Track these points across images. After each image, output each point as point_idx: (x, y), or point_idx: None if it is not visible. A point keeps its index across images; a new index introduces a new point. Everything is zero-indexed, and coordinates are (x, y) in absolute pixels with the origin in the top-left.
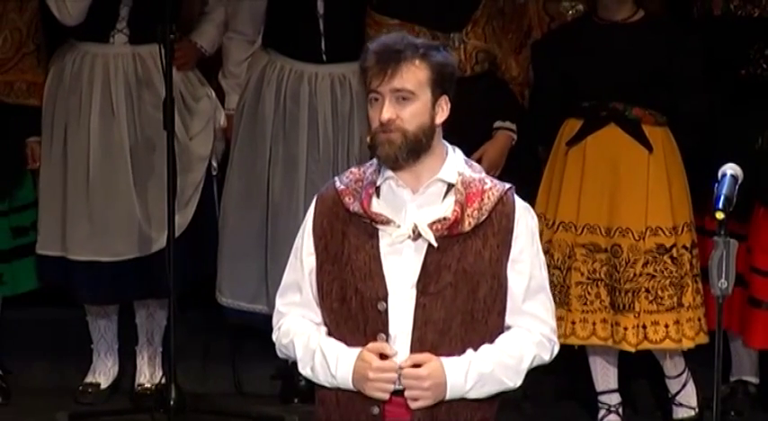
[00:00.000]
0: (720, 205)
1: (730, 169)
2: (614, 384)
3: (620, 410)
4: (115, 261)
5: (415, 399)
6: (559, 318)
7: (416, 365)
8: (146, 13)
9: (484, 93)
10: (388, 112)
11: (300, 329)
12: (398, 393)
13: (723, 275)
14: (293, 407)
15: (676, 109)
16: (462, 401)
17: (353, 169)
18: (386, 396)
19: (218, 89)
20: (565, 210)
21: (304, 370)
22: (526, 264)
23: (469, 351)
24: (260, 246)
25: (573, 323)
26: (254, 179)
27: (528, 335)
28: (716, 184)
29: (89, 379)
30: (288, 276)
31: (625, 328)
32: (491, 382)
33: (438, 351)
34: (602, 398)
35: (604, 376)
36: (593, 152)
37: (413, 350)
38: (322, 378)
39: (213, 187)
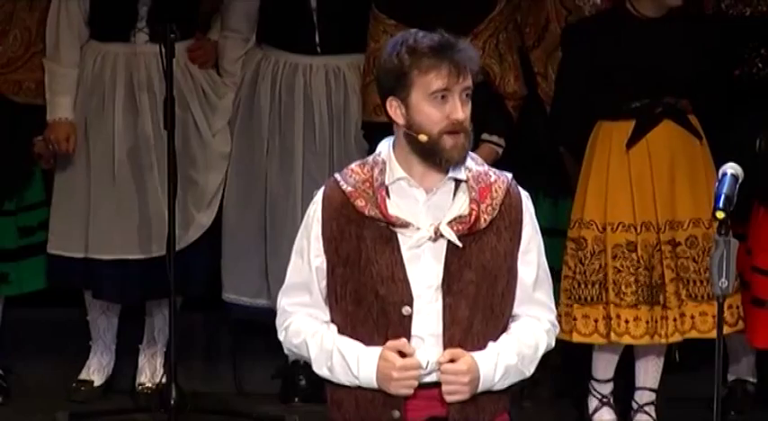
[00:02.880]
0: (721, 204)
1: (731, 168)
2: (612, 374)
3: (612, 400)
4: (143, 259)
5: (453, 394)
6: (662, 318)
7: (452, 360)
8: (166, 10)
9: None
10: (462, 112)
11: (312, 329)
12: (425, 386)
13: (724, 274)
14: (294, 406)
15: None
16: (486, 393)
17: (354, 167)
18: (410, 392)
19: None
20: (643, 210)
21: (320, 370)
22: (534, 254)
23: (491, 344)
24: (260, 240)
25: (674, 319)
26: (252, 173)
27: (538, 323)
28: (716, 184)
29: (83, 376)
30: (293, 276)
31: (692, 317)
32: (514, 373)
33: (465, 348)
34: (598, 387)
35: (609, 365)
36: (656, 149)
37: (445, 349)
38: (343, 378)
39: None
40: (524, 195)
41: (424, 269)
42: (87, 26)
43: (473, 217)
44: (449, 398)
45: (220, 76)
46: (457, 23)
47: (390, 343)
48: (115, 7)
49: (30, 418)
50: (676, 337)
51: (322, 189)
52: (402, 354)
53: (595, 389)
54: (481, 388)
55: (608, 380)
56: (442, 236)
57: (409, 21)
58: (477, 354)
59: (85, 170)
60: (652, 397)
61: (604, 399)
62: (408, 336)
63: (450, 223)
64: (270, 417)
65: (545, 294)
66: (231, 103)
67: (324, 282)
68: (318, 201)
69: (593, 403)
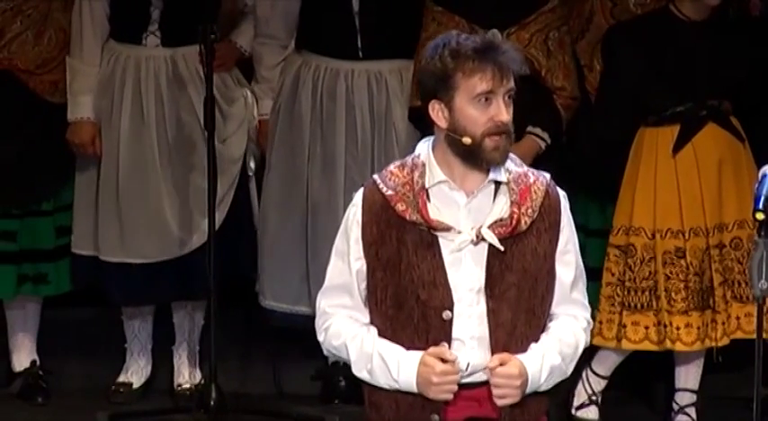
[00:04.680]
0: (761, 205)
1: None
2: (610, 373)
3: (600, 401)
4: (146, 263)
5: (504, 397)
6: (712, 321)
7: (502, 364)
8: (178, 15)
9: (522, 96)
10: (506, 114)
11: (352, 332)
12: (462, 387)
13: (764, 276)
14: (334, 407)
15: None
16: (531, 395)
17: (393, 169)
18: (450, 397)
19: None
20: (691, 216)
21: (360, 372)
22: (572, 254)
23: (534, 345)
24: (301, 246)
25: (723, 323)
26: (293, 179)
27: (576, 322)
28: (756, 185)
29: (121, 378)
30: (333, 278)
31: (737, 318)
32: (558, 373)
33: (510, 351)
34: (593, 380)
35: (613, 363)
36: (703, 153)
37: (493, 353)
38: (383, 381)
39: (249, 188)
40: (562, 195)
41: (465, 273)
42: (109, 24)
43: (514, 220)
44: (500, 402)
45: (257, 84)
46: (504, 13)
47: (432, 349)
48: (128, 8)
49: (69, 418)
50: (725, 341)
51: (361, 191)
52: (443, 360)
53: (589, 383)
54: (528, 389)
55: (605, 377)
56: (483, 239)
57: (456, 8)
58: (523, 357)
59: (96, 171)
60: (693, 398)
61: (593, 397)
62: (449, 340)
63: (491, 226)
64: (310, 418)
65: (581, 293)
66: (244, 108)
67: (364, 285)
68: (358, 203)
69: (581, 397)
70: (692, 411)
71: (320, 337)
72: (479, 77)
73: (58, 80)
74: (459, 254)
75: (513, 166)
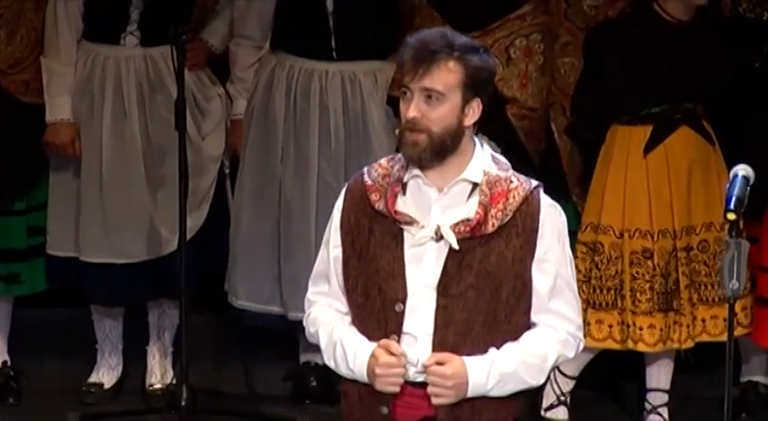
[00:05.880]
0: (732, 206)
1: (742, 170)
2: (578, 372)
3: (569, 401)
4: (129, 263)
5: (437, 396)
6: (675, 323)
7: (440, 363)
8: (157, 15)
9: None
10: (414, 111)
11: (326, 319)
12: (417, 385)
13: (734, 276)
14: (305, 407)
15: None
16: (485, 399)
17: (383, 162)
18: (396, 389)
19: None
20: (660, 217)
21: (328, 361)
22: (552, 263)
23: (492, 350)
24: (273, 246)
25: (687, 326)
26: (267, 179)
27: (553, 333)
28: (727, 185)
29: (93, 379)
30: (317, 266)
31: (703, 320)
32: (513, 381)
33: (460, 351)
34: (561, 381)
35: (581, 363)
36: (674, 156)
37: (434, 351)
38: (343, 370)
39: (226, 186)
40: (550, 205)
41: (424, 268)
42: (83, 24)
43: (475, 221)
44: (434, 401)
45: (232, 84)
46: (470, 17)
47: (382, 341)
48: (106, 8)
49: (40, 419)
50: (689, 343)
51: (350, 180)
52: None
53: (557, 383)
54: (472, 393)
55: (573, 378)
56: (443, 236)
57: (435, 4)
58: (469, 360)
59: (76, 171)
60: (665, 398)
61: (562, 397)
62: (400, 334)
63: (454, 225)
64: (281, 418)
65: (564, 305)
66: (221, 106)
67: (340, 272)
68: (343, 192)
69: (549, 398)
70: (664, 411)
71: (304, 323)
72: (405, 70)
73: (30, 79)
74: (420, 249)
75: (495, 169)
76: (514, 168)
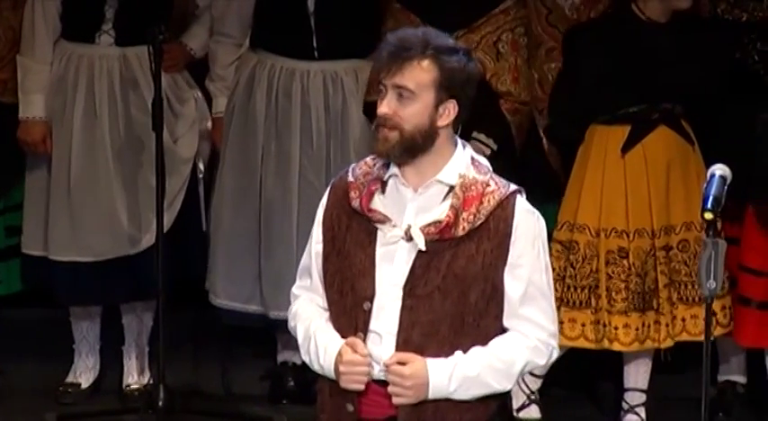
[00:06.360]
0: (709, 205)
1: (719, 170)
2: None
3: (539, 398)
4: (97, 262)
5: (397, 395)
6: (655, 322)
7: (402, 363)
8: (132, 14)
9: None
10: (385, 107)
11: (305, 314)
12: (383, 383)
13: (712, 276)
14: (282, 407)
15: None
16: (450, 402)
17: (368, 159)
18: (360, 387)
19: (205, 92)
20: (637, 217)
21: (305, 356)
22: (525, 269)
23: (458, 353)
24: (254, 245)
25: (666, 325)
26: (247, 178)
27: (523, 339)
28: (704, 185)
29: (70, 379)
30: (303, 259)
31: (683, 320)
32: (477, 385)
33: (424, 352)
34: (530, 381)
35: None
36: (653, 155)
37: (398, 350)
38: (315, 366)
39: (198, 189)
40: (526, 210)
41: (393, 268)
42: (60, 23)
43: (444, 223)
44: (393, 400)
45: (212, 82)
46: (453, 15)
47: (349, 339)
48: (82, 7)
49: (18, 419)
50: (668, 342)
51: (336, 177)
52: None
53: (525, 383)
54: (434, 395)
55: (540, 376)
56: (413, 237)
57: (412, 6)
58: (431, 361)
59: (47, 170)
60: (642, 397)
61: (532, 396)
62: (366, 332)
63: (425, 227)
64: (258, 418)
65: (537, 312)
66: (201, 108)
67: (321, 268)
68: (329, 188)
69: (519, 398)
70: (641, 411)
71: (288, 318)
72: (380, 66)
73: (8, 79)
74: (392, 248)
75: (472, 172)
76: (512, 166)
